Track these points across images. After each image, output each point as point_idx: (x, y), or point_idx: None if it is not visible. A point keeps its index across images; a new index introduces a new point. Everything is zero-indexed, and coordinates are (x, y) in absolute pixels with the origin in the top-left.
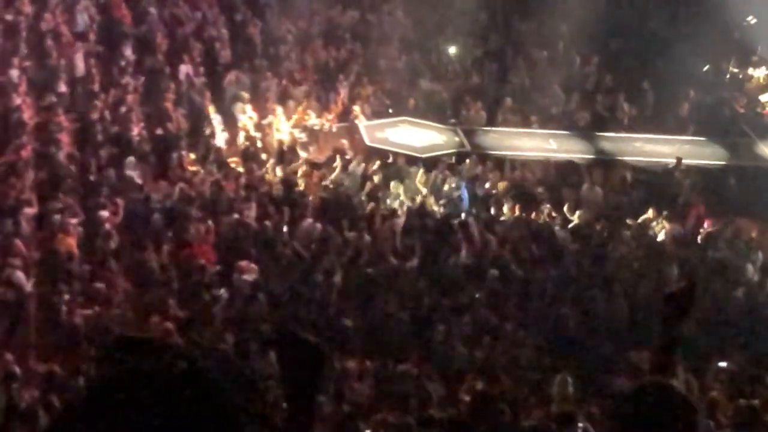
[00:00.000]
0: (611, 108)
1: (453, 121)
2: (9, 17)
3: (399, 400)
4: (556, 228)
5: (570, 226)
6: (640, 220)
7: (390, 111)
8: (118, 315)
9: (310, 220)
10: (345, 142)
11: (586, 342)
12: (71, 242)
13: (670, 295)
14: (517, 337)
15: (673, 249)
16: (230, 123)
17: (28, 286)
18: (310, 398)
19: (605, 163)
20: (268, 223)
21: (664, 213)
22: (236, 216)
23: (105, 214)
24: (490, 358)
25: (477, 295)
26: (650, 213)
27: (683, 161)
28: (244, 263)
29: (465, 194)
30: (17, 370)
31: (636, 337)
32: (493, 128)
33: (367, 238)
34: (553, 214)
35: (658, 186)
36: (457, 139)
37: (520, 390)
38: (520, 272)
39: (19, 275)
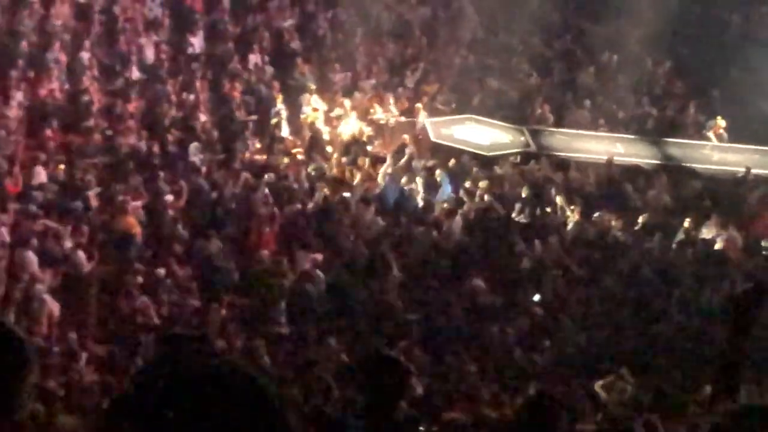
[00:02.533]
0: (680, 114)
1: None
2: (82, 0)
3: (455, 399)
4: (619, 232)
5: (633, 230)
6: (704, 227)
7: (454, 107)
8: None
9: (372, 214)
10: (410, 137)
11: (645, 348)
12: (134, 224)
13: (739, 296)
14: (574, 340)
15: (738, 258)
16: (297, 114)
17: (88, 266)
18: (389, 411)
19: (672, 169)
20: (330, 214)
21: (730, 222)
22: (299, 206)
23: (169, 198)
24: (547, 360)
25: (536, 297)
26: (714, 221)
27: (752, 171)
28: (305, 253)
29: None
30: (78, 350)
31: (696, 345)
32: (560, 129)
33: (428, 234)
34: (616, 218)
35: (725, 194)
36: (523, 138)
37: (576, 394)
38: (581, 275)
39: (81, 254)
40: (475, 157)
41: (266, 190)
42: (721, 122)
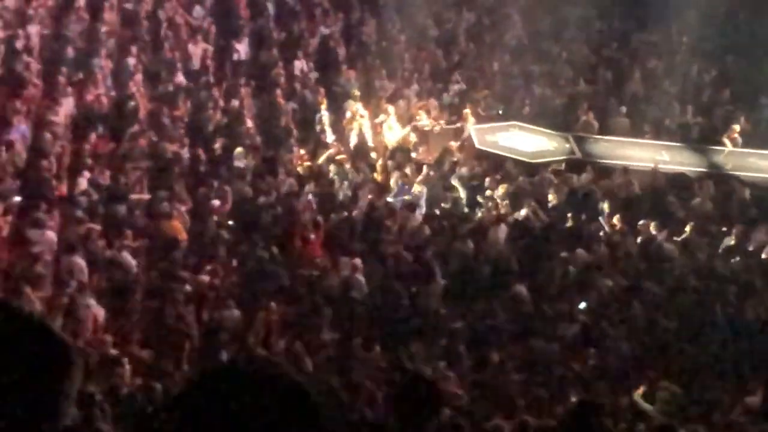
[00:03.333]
0: (726, 122)
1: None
2: (129, 6)
3: (497, 406)
4: (663, 241)
5: (678, 239)
6: (750, 237)
7: (499, 113)
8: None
9: (419, 221)
10: (454, 144)
11: (689, 358)
12: (180, 229)
13: None
14: (618, 349)
15: None
16: (341, 120)
17: (134, 271)
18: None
19: (718, 177)
20: (374, 220)
21: None
22: (343, 212)
23: (215, 203)
24: (590, 368)
25: (581, 305)
26: (762, 229)
27: None
28: (349, 260)
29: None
30: (120, 355)
31: (741, 355)
32: (605, 137)
33: (472, 241)
34: (660, 226)
35: None
36: (567, 146)
37: (619, 402)
38: (625, 283)
39: (128, 257)
40: (520, 164)
41: (310, 197)
42: (735, 127)
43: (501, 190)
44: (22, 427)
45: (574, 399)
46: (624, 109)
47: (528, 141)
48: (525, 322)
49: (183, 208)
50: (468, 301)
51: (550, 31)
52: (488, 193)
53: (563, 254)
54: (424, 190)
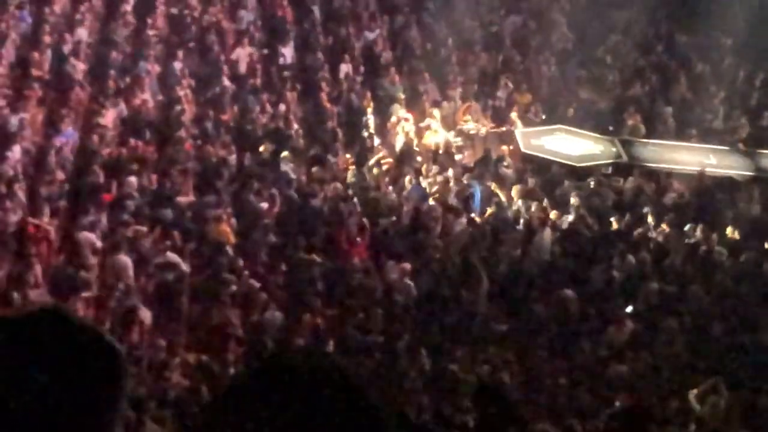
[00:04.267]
0: None
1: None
2: (175, 10)
3: (544, 410)
4: (711, 244)
5: (726, 242)
6: None
7: (544, 117)
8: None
9: (463, 225)
10: (501, 147)
11: (739, 362)
12: (228, 233)
13: None
14: (667, 353)
15: None
16: (387, 124)
17: (181, 274)
18: None
19: (765, 181)
20: (420, 224)
21: None
22: (389, 215)
23: (263, 206)
24: (639, 372)
25: (629, 309)
26: None
27: None
28: (396, 264)
29: (477, 194)
30: (169, 358)
31: None
32: (652, 140)
33: (519, 244)
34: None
35: None
36: (614, 149)
37: (667, 407)
38: (673, 287)
39: (176, 257)
40: (566, 167)
41: (356, 200)
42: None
43: (546, 193)
44: None
45: (619, 403)
46: (671, 112)
47: (574, 145)
48: (572, 325)
49: (230, 212)
50: (514, 305)
51: (596, 35)
52: (534, 196)
53: (611, 258)
54: (477, 193)
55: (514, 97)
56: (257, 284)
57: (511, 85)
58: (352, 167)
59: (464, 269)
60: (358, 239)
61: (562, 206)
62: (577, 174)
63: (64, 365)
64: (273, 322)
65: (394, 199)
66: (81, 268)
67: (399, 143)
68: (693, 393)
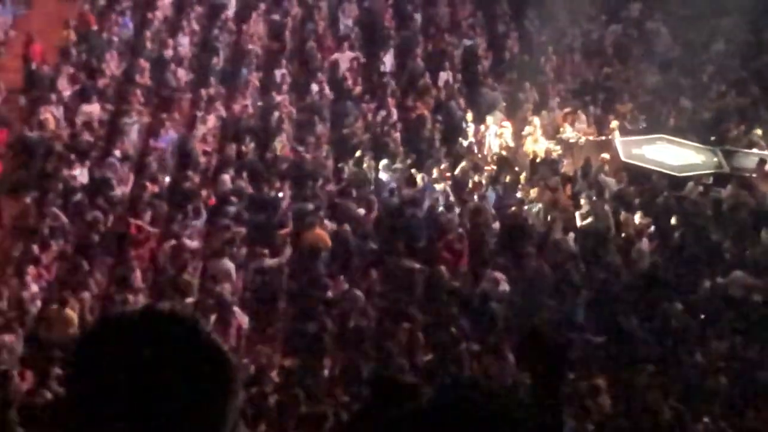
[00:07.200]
0: None
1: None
2: (276, 17)
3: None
4: None
5: None
6: None
7: (643, 127)
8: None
9: (560, 235)
10: (601, 156)
11: None
12: (325, 238)
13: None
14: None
15: None
16: (486, 131)
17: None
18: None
19: None
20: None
21: None
22: (488, 224)
23: (360, 212)
24: (739, 385)
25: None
26: None
27: None
28: (492, 272)
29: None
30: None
31: None
32: (755, 151)
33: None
34: None
35: None
36: (715, 159)
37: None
38: None
39: (270, 261)
40: (666, 177)
41: (456, 209)
42: (757, 131)
43: (645, 203)
44: None
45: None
46: None
47: (675, 154)
48: (673, 337)
49: (326, 217)
50: (613, 315)
51: (698, 44)
52: (634, 206)
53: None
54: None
55: (615, 106)
56: (355, 290)
57: (611, 93)
58: (451, 174)
59: (561, 278)
60: (456, 247)
61: (662, 216)
62: (678, 184)
63: (177, 376)
64: (368, 329)
65: (493, 208)
66: (182, 271)
67: (498, 151)
68: None
